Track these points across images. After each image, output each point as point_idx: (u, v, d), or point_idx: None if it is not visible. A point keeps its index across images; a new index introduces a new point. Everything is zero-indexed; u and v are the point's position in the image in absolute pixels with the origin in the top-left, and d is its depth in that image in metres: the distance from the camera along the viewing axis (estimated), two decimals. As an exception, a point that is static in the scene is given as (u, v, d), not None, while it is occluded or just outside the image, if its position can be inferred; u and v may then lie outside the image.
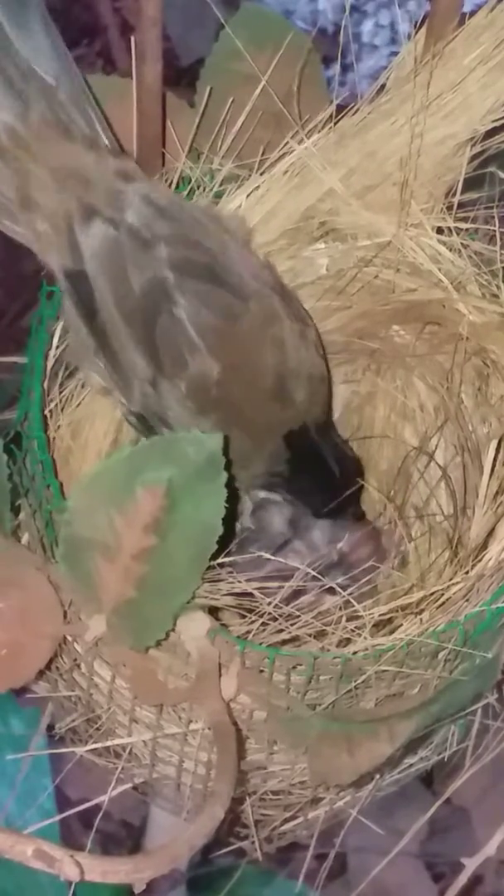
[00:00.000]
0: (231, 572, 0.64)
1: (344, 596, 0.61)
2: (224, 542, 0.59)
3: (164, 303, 0.62)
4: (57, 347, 0.67)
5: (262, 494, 0.70)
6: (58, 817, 0.71)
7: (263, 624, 0.61)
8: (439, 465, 0.75)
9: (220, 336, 0.64)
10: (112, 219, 0.62)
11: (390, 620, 0.62)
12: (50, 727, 0.73)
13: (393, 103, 0.68)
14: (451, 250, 0.69)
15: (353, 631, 0.61)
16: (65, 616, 0.62)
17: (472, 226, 0.70)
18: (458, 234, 0.69)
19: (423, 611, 0.62)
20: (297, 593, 0.66)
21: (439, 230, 0.69)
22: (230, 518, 0.58)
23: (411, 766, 0.73)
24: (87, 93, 0.64)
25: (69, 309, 0.64)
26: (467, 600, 0.62)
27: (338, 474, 0.70)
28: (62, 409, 0.68)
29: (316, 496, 0.70)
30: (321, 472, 0.69)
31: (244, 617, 0.63)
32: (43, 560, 0.63)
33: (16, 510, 0.66)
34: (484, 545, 0.64)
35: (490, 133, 0.68)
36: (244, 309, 0.64)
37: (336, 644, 0.61)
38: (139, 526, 0.58)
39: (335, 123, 0.69)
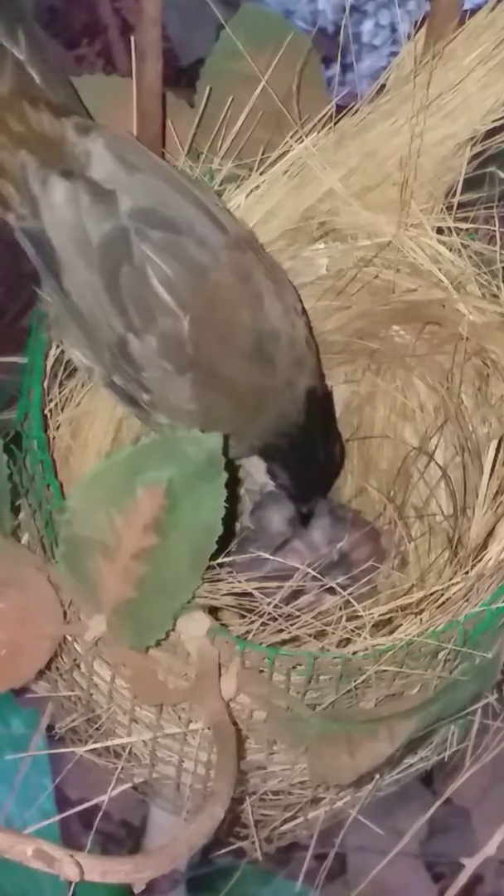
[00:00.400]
0: (231, 572, 0.64)
1: (344, 596, 0.61)
2: (224, 542, 0.59)
3: (125, 255, 0.61)
4: (57, 347, 0.67)
5: (260, 473, 0.69)
6: (58, 817, 0.71)
7: (263, 624, 0.61)
8: (439, 466, 0.75)
9: (189, 288, 0.62)
10: (69, 171, 0.61)
11: (390, 620, 0.62)
12: (50, 727, 0.73)
13: (393, 103, 0.68)
14: (451, 250, 0.69)
15: (352, 631, 0.61)
16: (65, 616, 0.62)
17: (473, 226, 0.69)
18: (458, 235, 0.69)
19: (422, 611, 0.61)
20: (296, 593, 0.66)
21: (439, 230, 0.69)
22: (230, 518, 0.58)
23: (411, 766, 0.73)
24: (53, 66, 0.63)
25: (41, 273, 0.63)
26: (467, 600, 0.62)
27: (323, 461, 0.69)
28: (62, 409, 0.68)
29: (303, 482, 0.70)
30: (309, 456, 0.69)
31: (244, 617, 0.63)
32: (43, 560, 0.63)
33: (16, 510, 0.65)
34: (484, 545, 0.64)
35: (490, 133, 0.68)
36: (214, 261, 0.63)
37: (336, 644, 0.61)
38: (139, 526, 0.58)
39: (335, 123, 0.69)
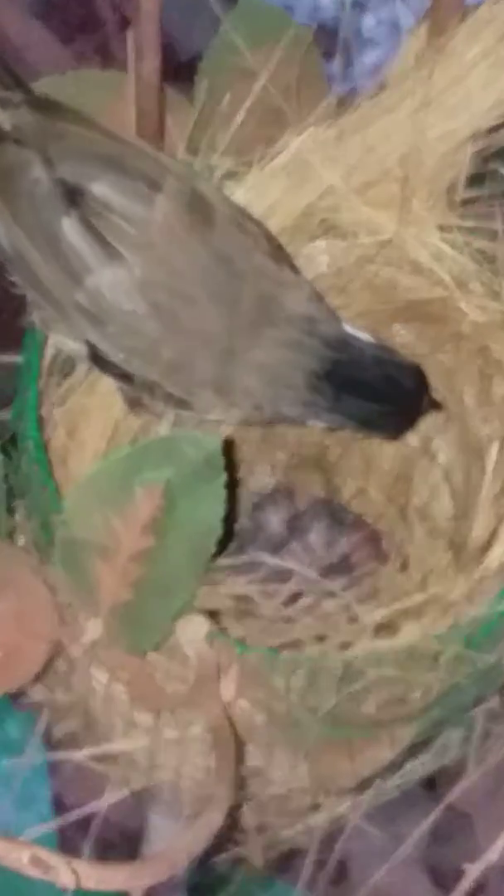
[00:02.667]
0: (229, 574, 0.64)
1: (344, 598, 0.61)
2: (223, 544, 0.58)
3: (65, 208, 0.60)
4: (53, 346, 0.67)
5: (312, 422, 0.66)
6: (55, 823, 0.71)
7: (263, 627, 0.61)
8: (441, 466, 0.74)
9: (135, 233, 0.60)
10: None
11: (391, 623, 0.61)
12: (46, 732, 0.73)
13: (394, 99, 0.68)
14: (452, 248, 0.69)
15: (353, 634, 0.60)
16: (61, 619, 0.61)
17: (475, 223, 0.69)
18: (459, 232, 0.69)
19: (424, 614, 0.61)
20: (296, 596, 0.66)
21: (441, 228, 0.69)
22: (229, 519, 0.58)
23: (413, 770, 0.72)
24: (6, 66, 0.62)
25: None
26: (470, 603, 0.61)
27: (394, 382, 0.65)
28: (59, 408, 0.67)
29: (382, 415, 0.66)
30: (369, 386, 0.65)
31: (243, 620, 0.62)
32: (39, 562, 0.63)
33: (12, 511, 0.65)
34: (486, 547, 0.63)
35: (492, 129, 0.68)
36: (160, 202, 0.61)
37: (336, 647, 0.61)
38: (137, 527, 0.57)
39: (335, 119, 0.68)
